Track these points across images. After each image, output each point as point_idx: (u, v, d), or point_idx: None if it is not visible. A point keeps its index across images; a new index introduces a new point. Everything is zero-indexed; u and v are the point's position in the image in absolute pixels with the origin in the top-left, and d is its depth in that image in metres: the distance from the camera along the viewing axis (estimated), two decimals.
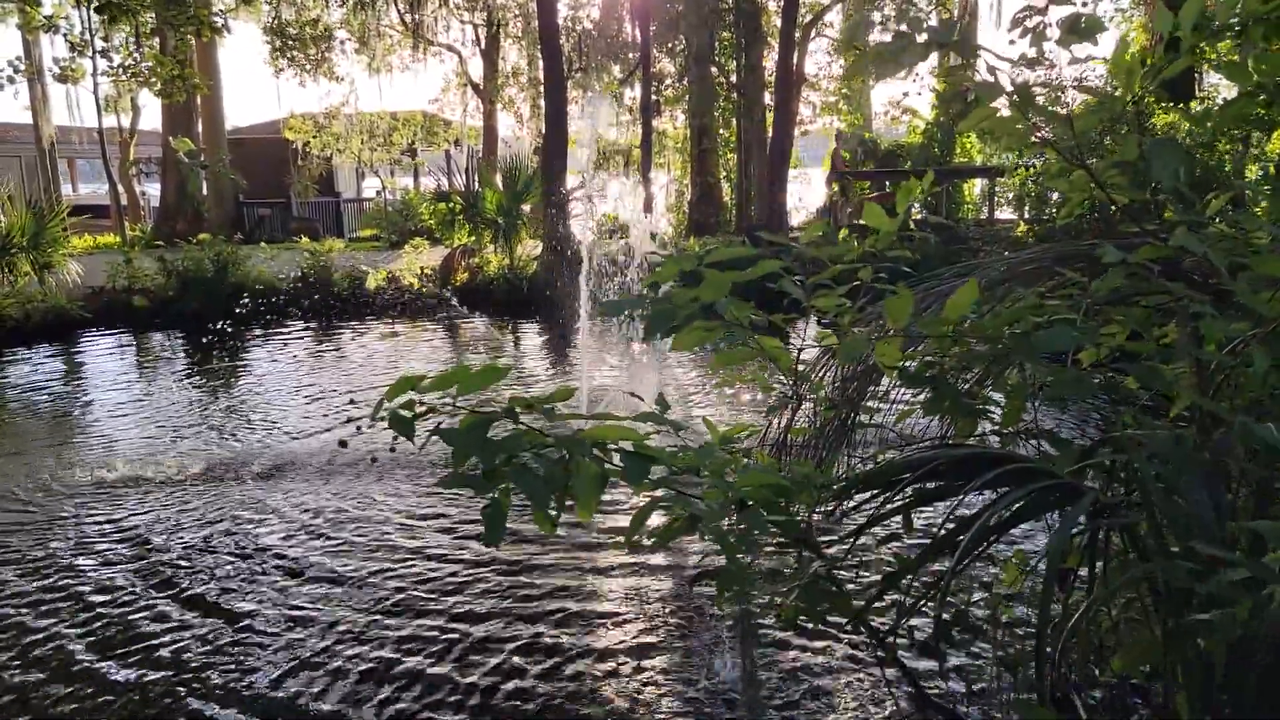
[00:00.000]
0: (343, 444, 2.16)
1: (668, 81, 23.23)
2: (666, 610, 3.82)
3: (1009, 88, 2.03)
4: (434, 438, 1.58)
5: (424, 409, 1.56)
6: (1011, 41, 2.19)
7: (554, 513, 1.60)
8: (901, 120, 24.12)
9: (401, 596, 3.98)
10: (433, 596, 3.98)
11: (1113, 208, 2.20)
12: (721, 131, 21.95)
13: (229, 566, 4.37)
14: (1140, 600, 1.98)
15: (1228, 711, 1.52)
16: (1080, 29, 1.98)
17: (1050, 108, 2.11)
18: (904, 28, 1.97)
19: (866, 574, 3.74)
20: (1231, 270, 1.83)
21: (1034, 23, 2.06)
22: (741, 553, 1.71)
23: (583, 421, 1.68)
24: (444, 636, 3.62)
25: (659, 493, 1.75)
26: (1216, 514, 1.58)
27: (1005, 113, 2.08)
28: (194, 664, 3.46)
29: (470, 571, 4.23)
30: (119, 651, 3.58)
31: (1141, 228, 2.19)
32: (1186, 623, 1.49)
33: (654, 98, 21.11)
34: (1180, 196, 2.06)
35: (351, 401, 7.57)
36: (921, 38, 1.97)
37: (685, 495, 1.74)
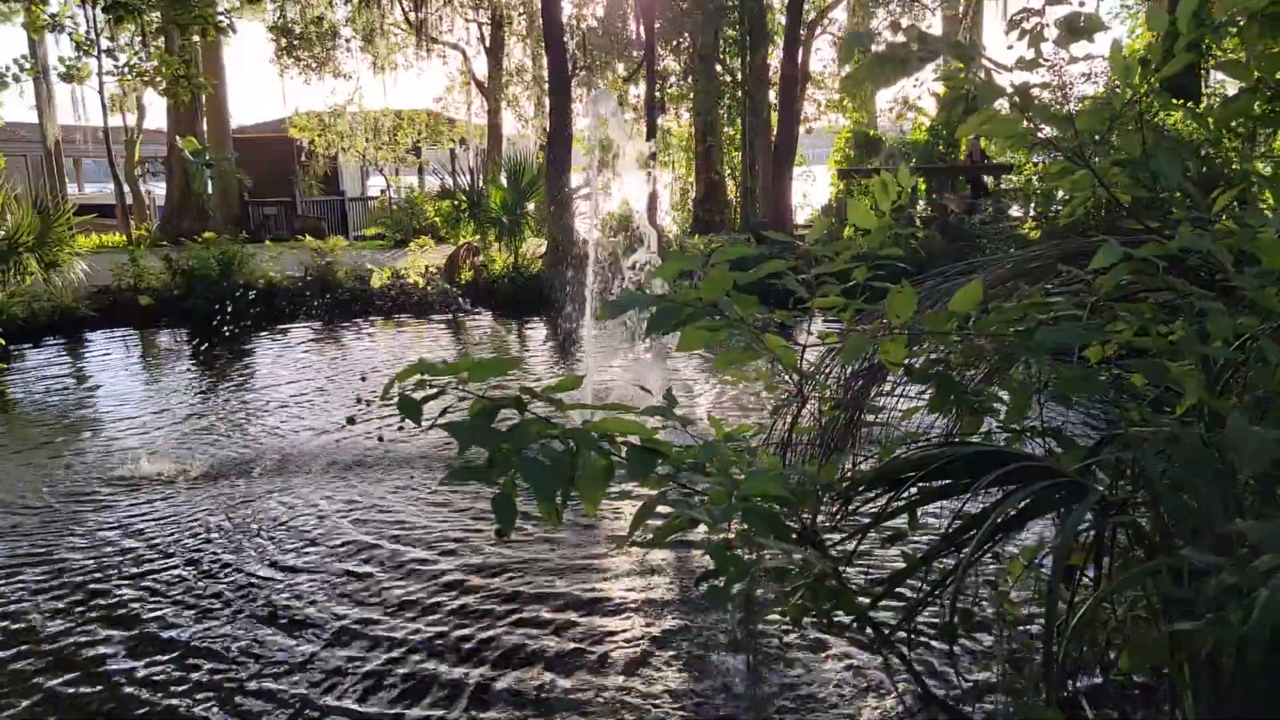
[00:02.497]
0: (350, 421, 2.17)
1: (672, 79, 23.18)
2: (670, 608, 3.82)
3: (1009, 90, 2.02)
4: (440, 418, 1.59)
5: (434, 391, 1.57)
6: (1010, 46, 2.19)
7: (559, 501, 1.59)
8: (907, 117, 24.07)
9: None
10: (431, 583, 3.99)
11: (1118, 205, 2.19)
12: (726, 129, 21.92)
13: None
14: (1147, 598, 1.97)
15: (1233, 711, 1.52)
16: (1079, 28, 1.97)
17: (1052, 107, 2.10)
18: (901, 38, 1.96)
19: (873, 572, 3.74)
20: (1238, 264, 1.82)
21: (1031, 24, 2.05)
22: (735, 567, 1.71)
23: (589, 413, 1.68)
24: (437, 633, 3.63)
25: (662, 493, 1.74)
26: (1223, 511, 1.58)
27: (1006, 110, 2.08)
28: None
29: (465, 567, 4.24)
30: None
31: (1145, 225, 2.19)
32: (1185, 626, 1.49)
33: (658, 95, 21.08)
34: (1186, 193, 2.05)
35: (359, 400, 7.57)
36: (917, 46, 1.96)
37: (688, 490, 1.73)
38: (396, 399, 1.56)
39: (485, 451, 1.54)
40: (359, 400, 7.21)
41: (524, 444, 1.52)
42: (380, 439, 6.31)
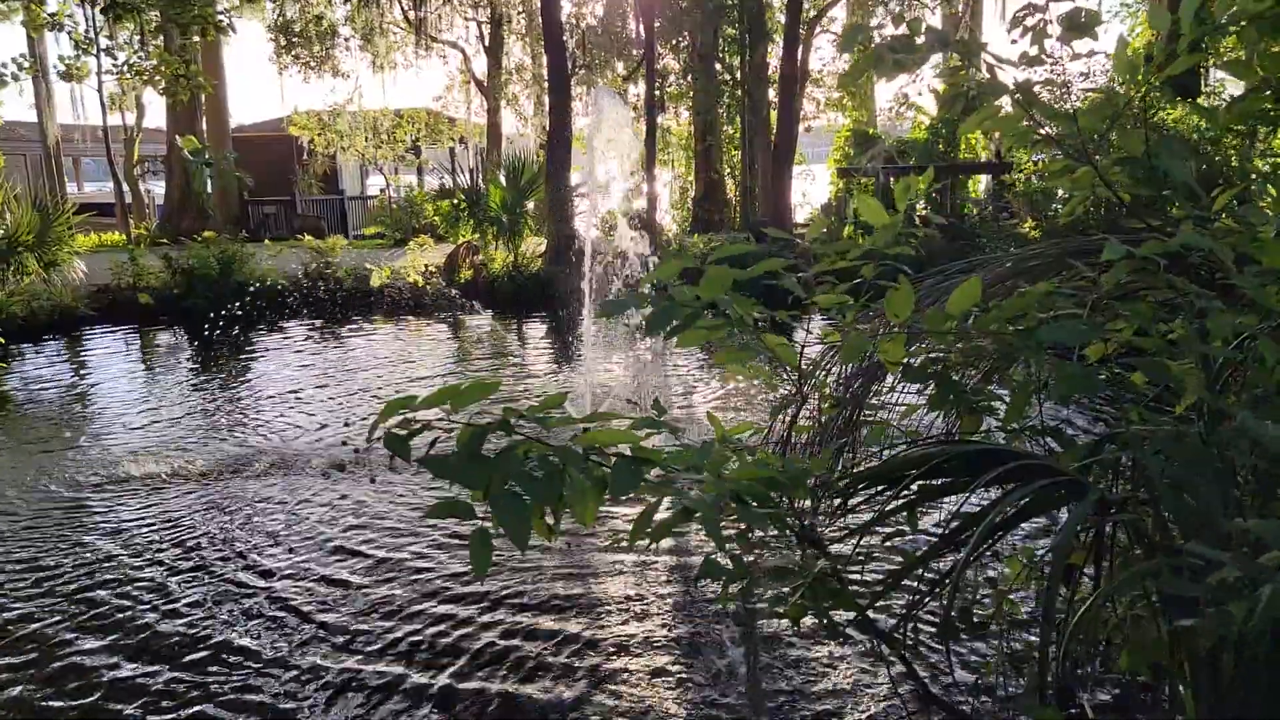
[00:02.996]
0: (339, 468, 2.15)
1: (671, 78, 23.18)
2: (669, 607, 3.82)
3: (1011, 86, 2.02)
4: (433, 447, 1.57)
5: (419, 425, 1.56)
6: (1014, 41, 2.18)
7: (550, 519, 1.59)
8: (906, 116, 24.05)
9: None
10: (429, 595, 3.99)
11: (1119, 203, 2.19)
12: (726, 128, 21.92)
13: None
14: (1146, 597, 1.97)
15: (1233, 711, 1.52)
16: (1080, 24, 1.97)
17: (1054, 105, 2.10)
18: (904, 30, 1.95)
19: (872, 571, 3.74)
20: (1238, 263, 1.82)
21: (1034, 20, 2.05)
22: (732, 545, 1.70)
23: (580, 424, 1.67)
24: (439, 630, 3.63)
25: (663, 500, 1.74)
26: (1223, 511, 1.58)
27: (1009, 109, 2.08)
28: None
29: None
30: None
31: (1147, 224, 2.18)
32: (1186, 623, 1.48)
33: (658, 94, 21.07)
34: (1189, 192, 2.05)
35: (346, 424, 7.28)
36: (921, 39, 1.95)
37: (681, 492, 1.73)
38: (383, 438, 1.54)
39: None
40: (345, 443, 6.81)
41: (509, 471, 1.50)
42: (339, 468, 5.78)
